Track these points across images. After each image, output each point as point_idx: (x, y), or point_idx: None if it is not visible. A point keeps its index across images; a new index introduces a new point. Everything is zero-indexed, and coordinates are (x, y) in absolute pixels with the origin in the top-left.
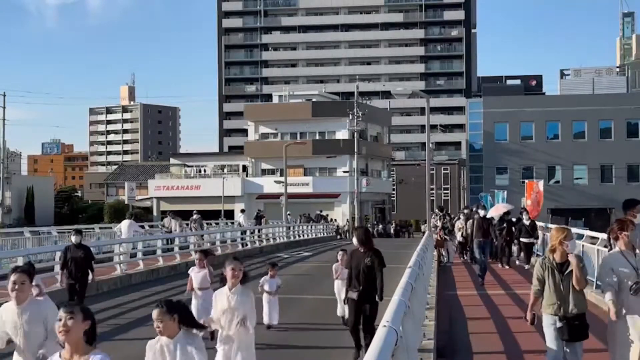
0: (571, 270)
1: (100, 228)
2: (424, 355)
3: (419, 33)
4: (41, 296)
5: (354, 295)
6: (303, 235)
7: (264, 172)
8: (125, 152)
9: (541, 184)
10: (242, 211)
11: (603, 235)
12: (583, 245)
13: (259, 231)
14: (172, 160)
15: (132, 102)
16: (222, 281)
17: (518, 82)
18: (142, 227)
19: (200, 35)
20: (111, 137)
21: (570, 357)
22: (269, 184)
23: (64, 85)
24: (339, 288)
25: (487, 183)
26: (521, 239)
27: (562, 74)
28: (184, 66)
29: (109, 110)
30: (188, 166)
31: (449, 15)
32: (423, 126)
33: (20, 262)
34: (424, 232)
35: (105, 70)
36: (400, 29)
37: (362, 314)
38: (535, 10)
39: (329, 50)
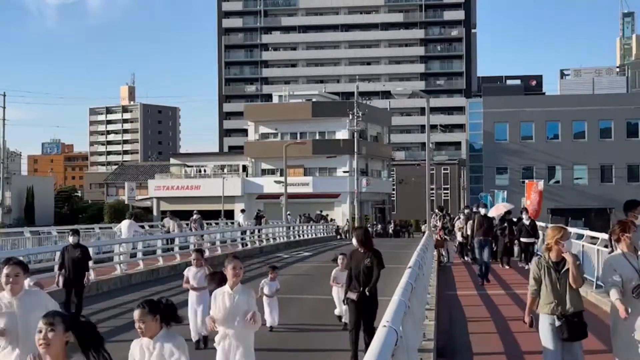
0: (568, 269)
1: (100, 228)
2: (424, 355)
3: (419, 33)
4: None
5: (353, 296)
6: (303, 235)
7: (264, 172)
8: (125, 152)
9: (541, 184)
10: (243, 211)
11: (603, 235)
12: (583, 245)
13: (259, 231)
14: (172, 160)
15: (132, 102)
16: (221, 281)
17: (518, 82)
18: (142, 227)
19: (200, 35)
20: (111, 137)
21: (570, 358)
22: (269, 184)
23: (64, 85)
24: (338, 293)
25: (487, 183)
26: (521, 239)
27: (562, 74)
28: (184, 66)
29: (109, 110)
30: (188, 166)
31: (449, 15)
32: (423, 126)
33: None
34: (424, 232)
35: (105, 70)
36: (400, 29)
37: (362, 314)
38: (535, 10)
39: (329, 50)
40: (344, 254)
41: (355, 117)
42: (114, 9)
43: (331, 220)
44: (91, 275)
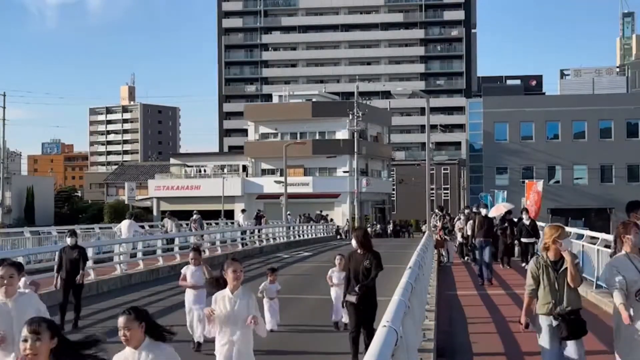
0: (566, 268)
1: (100, 228)
2: (424, 355)
3: (419, 33)
4: (34, 292)
5: (352, 298)
6: (303, 235)
7: (264, 172)
8: (125, 152)
9: (540, 184)
10: (243, 211)
11: (603, 235)
12: (583, 245)
13: (259, 231)
14: (172, 160)
15: (132, 102)
16: (220, 285)
17: (518, 82)
18: (142, 227)
19: (200, 35)
20: (111, 137)
21: (571, 358)
22: (269, 184)
23: (64, 85)
24: (337, 294)
25: (487, 183)
26: (522, 239)
27: (562, 74)
28: (184, 66)
29: (109, 110)
30: (188, 166)
31: (449, 15)
32: (423, 126)
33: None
34: (424, 232)
35: (105, 70)
36: (400, 29)
37: (362, 316)
38: (535, 11)
39: (329, 50)
40: (341, 255)
41: (355, 117)
42: (114, 9)
43: (331, 220)
44: (90, 276)
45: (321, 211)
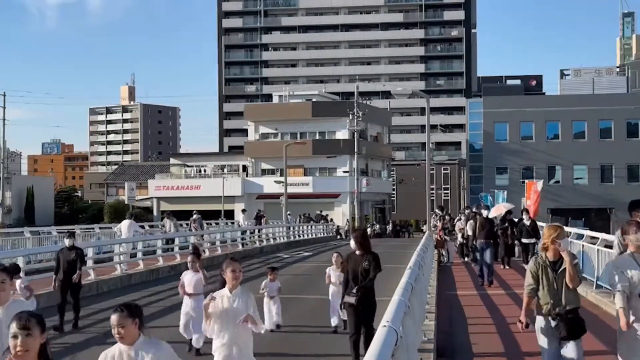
0: (565, 268)
1: (100, 228)
2: (424, 355)
3: (419, 33)
4: (28, 299)
5: (351, 300)
6: (303, 235)
7: (264, 172)
8: (126, 152)
9: (540, 184)
10: (244, 211)
11: (603, 235)
12: (583, 245)
13: (259, 231)
14: (172, 160)
15: (132, 102)
16: (223, 284)
17: (518, 82)
18: (142, 227)
19: (200, 35)
20: (111, 137)
21: (570, 358)
22: (269, 184)
23: (64, 85)
24: (334, 294)
25: (487, 183)
26: (522, 240)
27: (562, 74)
28: (184, 66)
29: (109, 110)
30: (188, 166)
31: (449, 15)
32: (423, 126)
33: (20, 262)
34: (424, 232)
35: (105, 70)
36: (400, 29)
37: (361, 317)
38: (535, 10)
39: (329, 50)
40: (338, 253)
41: (355, 117)
42: (114, 9)
43: (331, 220)
44: (90, 276)
45: (321, 211)
